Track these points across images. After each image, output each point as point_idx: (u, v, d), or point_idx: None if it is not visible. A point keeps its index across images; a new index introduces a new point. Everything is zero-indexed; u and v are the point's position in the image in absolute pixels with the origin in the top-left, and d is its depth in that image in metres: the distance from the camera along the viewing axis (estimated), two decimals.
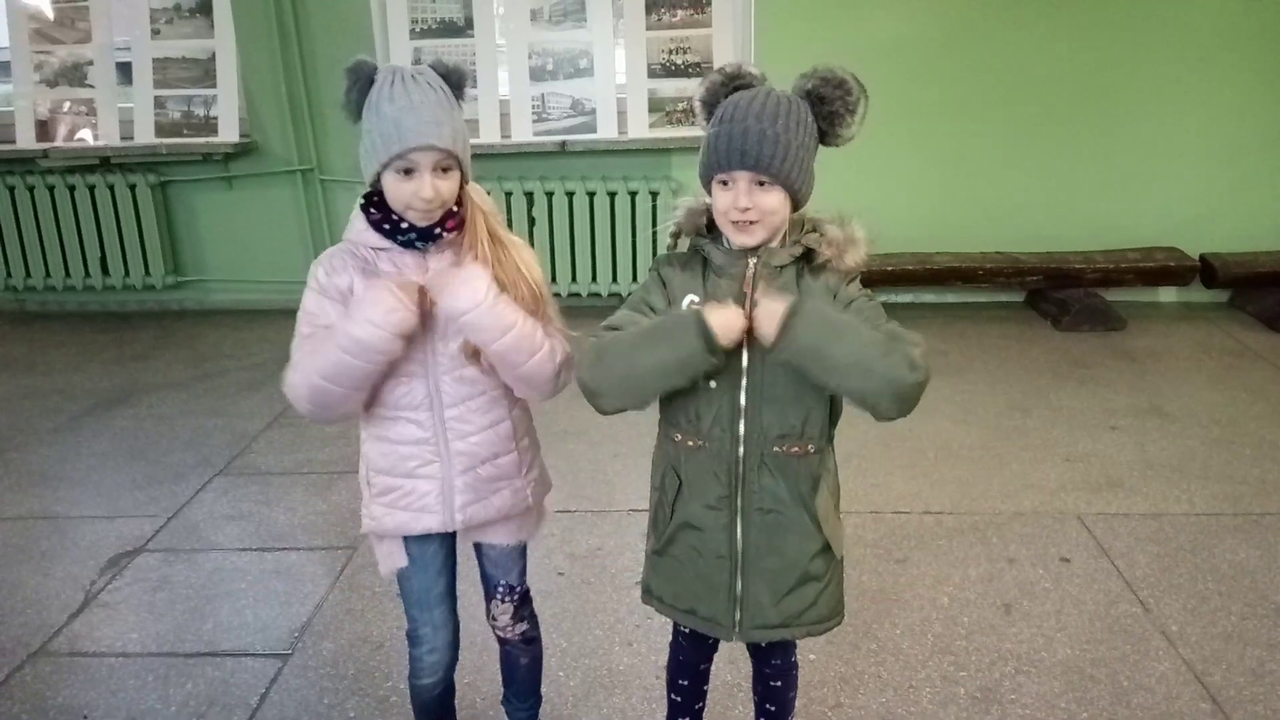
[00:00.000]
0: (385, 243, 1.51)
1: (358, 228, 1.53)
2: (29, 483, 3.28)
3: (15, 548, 2.86)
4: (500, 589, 1.76)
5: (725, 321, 1.36)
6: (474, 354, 1.54)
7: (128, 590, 2.63)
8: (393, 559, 1.66)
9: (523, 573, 1.79)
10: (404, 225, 1.49)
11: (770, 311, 1.34)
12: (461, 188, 1.51)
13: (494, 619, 1.81)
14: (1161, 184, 4.82)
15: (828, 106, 1.41)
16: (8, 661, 2.33)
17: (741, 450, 1.48)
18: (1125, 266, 4.70)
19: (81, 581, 2.67)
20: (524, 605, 1.81)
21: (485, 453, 1.60)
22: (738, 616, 1.54)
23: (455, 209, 1.51)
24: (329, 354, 1.46)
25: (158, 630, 2.45)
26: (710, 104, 1.46)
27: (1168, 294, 4.99)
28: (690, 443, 1.50)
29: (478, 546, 1.74)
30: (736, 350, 1.42)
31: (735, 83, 1.45)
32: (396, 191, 1.45)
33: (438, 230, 1.50)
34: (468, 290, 1.46)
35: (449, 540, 1.69)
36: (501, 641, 1.86)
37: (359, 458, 1.65)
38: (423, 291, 1.47)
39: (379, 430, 1.59)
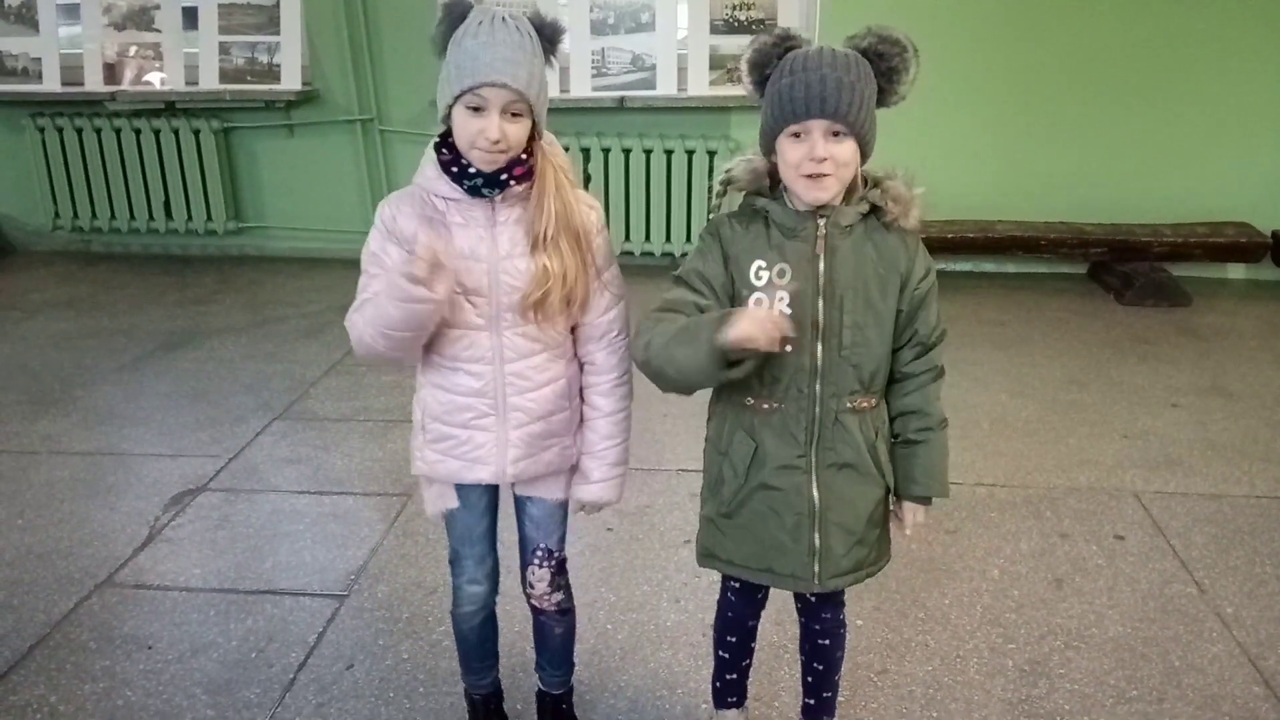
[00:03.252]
0: (455, 192, 1.48)
1: (429, 174, 1.50)
2: (95, 420, 3.38)
3: (83, 482, 2.95)
4: (539, 553, 1.73)
5: (744, 334, 1.31)
6: (534, 308, 1.51)
7: (190, 527, 2.71)
8: (443, 500, 1.67)
9: (562, 539, 1.75)
10: (471, 170, 1.46)
11: (919, 524, 1.59)
12: (535, 140, 1.48)
13: (530, 586, 1.77)
14: (1233, 157, 4.68)
15: (886, 63, 1.40)
16: (77, 590, 2.42)
17: (818, 409, 1.49)
18: (1193, 241, 4.58)
19: (146, 517, 2.75)
20: (560, 574, 1.77)
21: (541, 409, 1.60)
22: (816, 569, 1.56)
23: (525, 158, 1.48)
24: (377, 309, 1.45)
25: (219, 567, 2.52)
26: (759, 65, 1.44)
27: (1236, 270, 4.86)
28: (765, 405, 1.51)
29: (520, 505, 1.72)
30: (808, 313, 1.44)
31: (787, 44, 1.43)
32: (463, 128, 1.42)
33: (505, 177, 1.46)
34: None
35: (495, 486, 1.69)
36: (536, 612, 1.83)
37: (414, 400, 1.65)
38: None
39: (438, 379, 1.59)
